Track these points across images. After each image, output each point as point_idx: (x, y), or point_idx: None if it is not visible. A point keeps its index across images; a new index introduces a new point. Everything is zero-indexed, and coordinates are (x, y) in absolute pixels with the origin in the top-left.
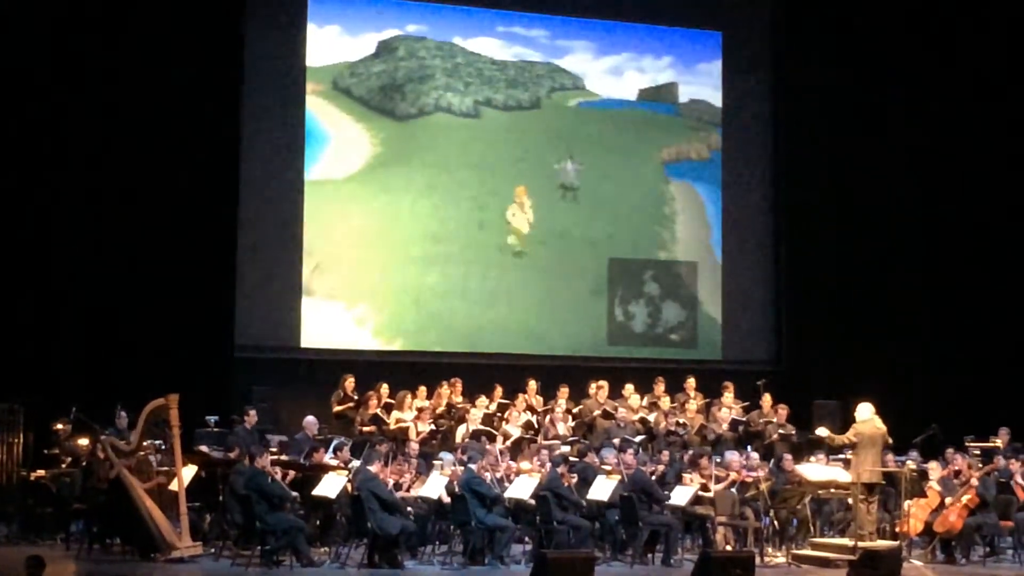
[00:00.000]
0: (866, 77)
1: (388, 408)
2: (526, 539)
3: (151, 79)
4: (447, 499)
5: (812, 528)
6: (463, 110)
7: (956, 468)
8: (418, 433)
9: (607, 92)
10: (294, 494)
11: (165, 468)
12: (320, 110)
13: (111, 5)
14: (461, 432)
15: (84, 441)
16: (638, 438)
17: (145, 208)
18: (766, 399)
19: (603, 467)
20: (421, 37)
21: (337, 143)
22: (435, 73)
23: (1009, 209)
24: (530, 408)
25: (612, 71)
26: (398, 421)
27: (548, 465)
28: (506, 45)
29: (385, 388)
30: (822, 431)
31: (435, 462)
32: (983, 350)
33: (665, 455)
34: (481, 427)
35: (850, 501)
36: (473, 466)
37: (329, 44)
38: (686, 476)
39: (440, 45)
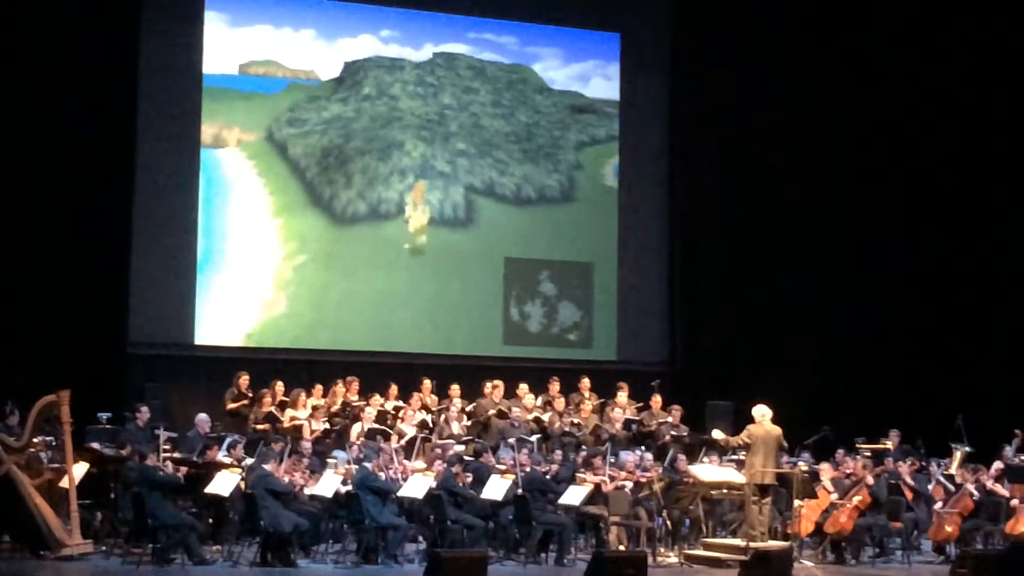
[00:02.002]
0: (762, 78)
1: (283, 406)
2: (420, 538)
3: (42, 66)
4: (343, 490)
5: (704, 528)
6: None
7: (848, 470)
8: (312, 431)
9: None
10: (179, 472)
11: (56, 465)
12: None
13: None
14: (356, 431)
15: None
16: (533, 438)
17: (37, 201)
18: (656, 400)
19: (498, 466)
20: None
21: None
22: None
23: (901, 210)
24: (425, 407)
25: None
26: (292, 419)
27: (442, 464)
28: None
29: (280, 386)
30: (717, 434)
31: (329, 460)
32: (875, 352)
33: (559, 455)
34: (376, 426)
35: (742, 501)
36: (368, 465)
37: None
38: (580, 476)
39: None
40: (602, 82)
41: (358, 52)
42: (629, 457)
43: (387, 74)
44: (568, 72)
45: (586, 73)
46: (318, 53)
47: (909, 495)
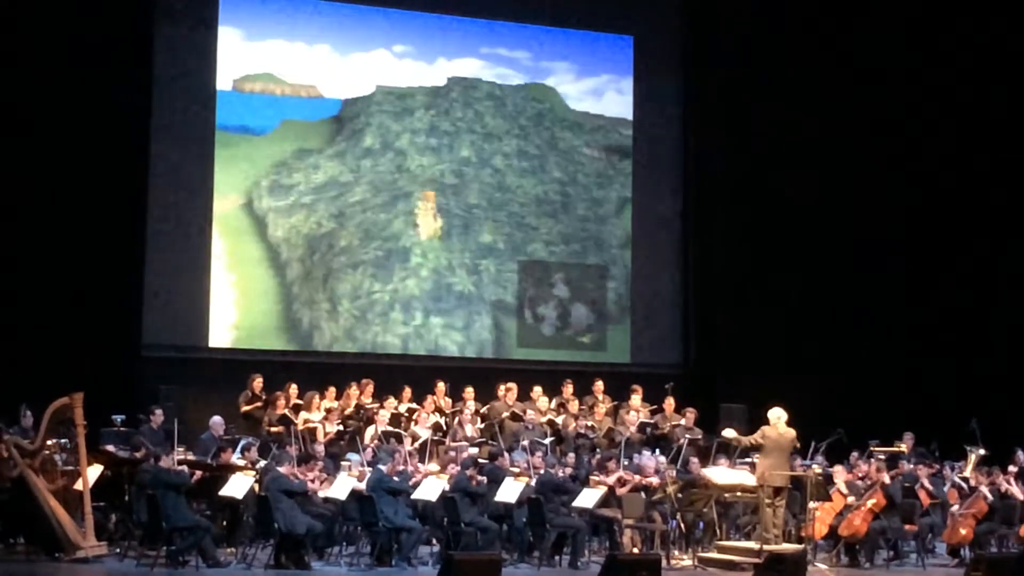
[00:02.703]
0: (775, 82)
1: (296, 409)
2: (433, 541)
3: (58, 70)
4: (360, 488)
5: (718, 531)
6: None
7: (862, 473)
8: (326, 434)
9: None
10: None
11: (70, 467)
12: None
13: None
14: (370, 433)
15: None
16: (547, 440)
17: (52, 204)
18: (669, 402)
19: (512, 469)
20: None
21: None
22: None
23: (916, 210)
24: (439, 410)
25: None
26: (306, 422)
27: (456, 466)
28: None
29: (294, 388)
30: (729, 432)
31: (343, 463)
32: (889, 355)
33: (572, 457)
34: (389, 428)
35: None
36: (383, 467)
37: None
38: (593, 479)
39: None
40: (615, 85)
41: (369, 67)
42: (647, 461)
43: (393, 120)
44: (582, 85)
45: (599, 81)
46: (326, 67)
47: (926, 500)
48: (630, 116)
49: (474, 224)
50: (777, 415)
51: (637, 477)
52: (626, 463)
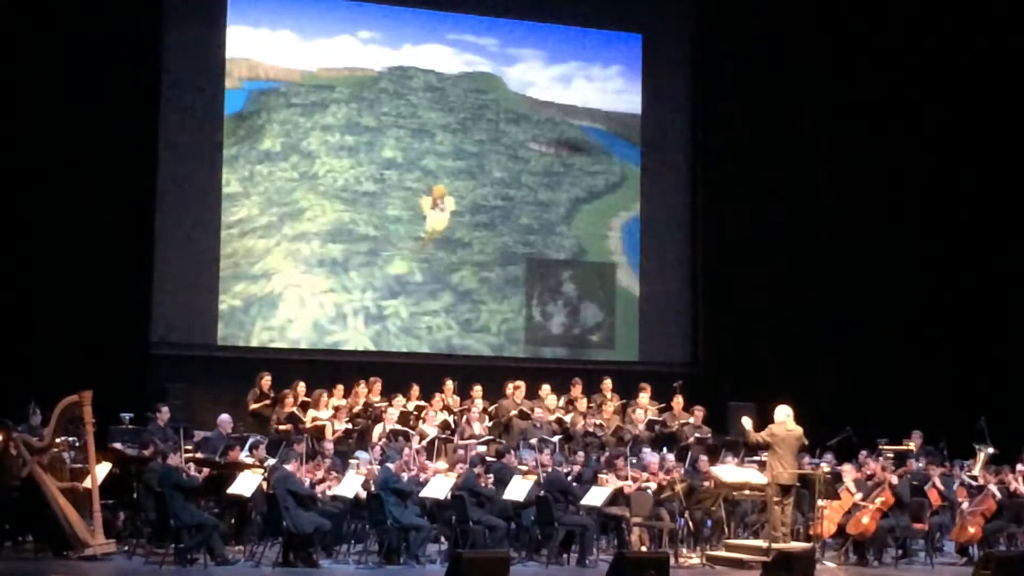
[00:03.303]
0: (785, 82)
1: (304, 407)
2: (442, 539)
3: (66, 68)
4: (364, 494)
5: (726, 529)
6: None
7: (870, 471)
8: (334, 432)
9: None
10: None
11: (79, 465)
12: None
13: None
14: (377, 431)
15: None
16: (555, 438)
17: (60, 202)
18: (677, 401)
19: (520, 467)
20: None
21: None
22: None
23: (924, 210)
24: (447, 408)
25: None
26: (314, 420)
27: (464, 465)
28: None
29: (302, 386)
30: (746, 421)
31: (351, 461)
32: (897, 353)
33: (581, 456)
34: (398, 426)
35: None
36: (391, 465)
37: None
38: (602, 477)
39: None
40: (624, 83)
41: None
42: (652, 458)
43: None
44: (591, 80)
45: (609, 77)
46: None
47: (936, 499)
48: (639, 111)
49: (486, 220)
50: (784, 413)
51: (645, 475)
52: (634, 461)
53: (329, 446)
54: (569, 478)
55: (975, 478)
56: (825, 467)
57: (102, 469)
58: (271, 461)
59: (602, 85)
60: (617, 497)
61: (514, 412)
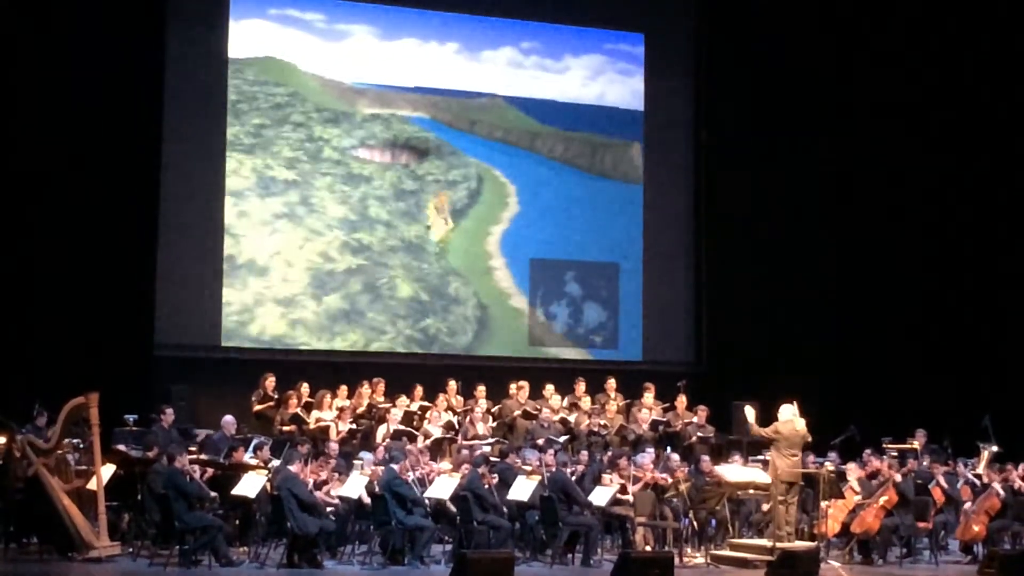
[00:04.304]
0: (787, 82)
1: (308, 407)
2: (446, 539)
3: (68, 69)
4: (367, 499)
5: (731, 529)
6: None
7: (873, 469)
8: (338, 433)
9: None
10: (213, 494)
11: (84, 467)
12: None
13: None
14: (382, 432)
15: (1, 440)
16: (561, 438)
17: (65, 204)
18: (681, 400)
19: (524, 467)
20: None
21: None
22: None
23: (928, 209)
24: (451, 408)
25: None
26: (318, 421)
27: (468, 465)
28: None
29: (305, 387)
30: (750, 412)
31: (355, 462)
32: (901, 351)
33: (584, 455)
34: (402, 427)
35: (765, 506)
36: (395, 466)
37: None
38: (605, 477)
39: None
40: (627, 81)
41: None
42: (645, 458)
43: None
44: (592, 76)
45: (611, 75)
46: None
47: (940, 498)
48: (642, 110)
49: (484, 222)
50: (790, 412)
51: (648, 475)
52: (638, 461)
53: (333, 447)
54: (573, 478)
55: (979, 476)
56: (829, 466)
57: (106, 471)
58: (275, 462)
59: (604, 84)
60: (620, 497)
61: (518, 412)
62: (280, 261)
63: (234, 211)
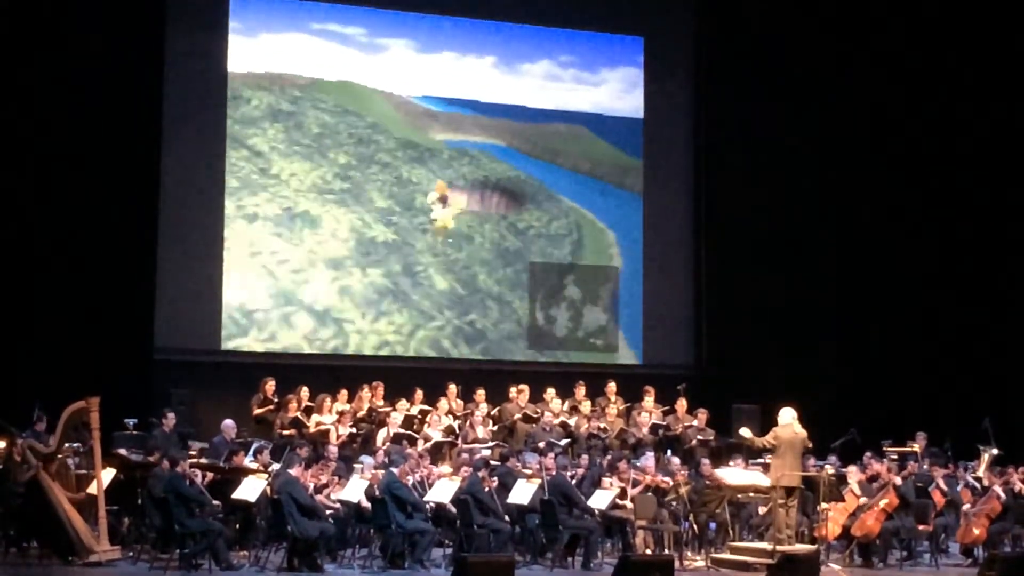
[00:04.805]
0: (787, 84)
1: (308, 411)
2: (446, 543)
3: (68, 72)
4: (367, 503)
5: (731, 532)
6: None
7: (873, 472)
8: (338, 436)
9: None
10: (216, 503)
11: (84, 471)
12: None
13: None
14: (382, 436)
15: (1, 444)
16: (562, 442)
17: (64, 208)
18: (681, 403)
19: (524, 471)
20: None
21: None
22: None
23: (929, 211)
24: (451, 412)
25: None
26: (318, 424)
27: (468, 469)
28: (420, 48)
29: (305, 391)
30: (745, 431)
31: (355, 465)
32: (901, 354)
33: (585, 459)
34: (402, 431)
35: (764, 508)
36: (395, 470)
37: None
38: (605, 480)
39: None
40: (626, 84)
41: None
42: (647, 461)
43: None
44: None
45: (610, 79)
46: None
47: (940, 501)
48: (641, 114)
49: (486, 225)
50: (790, 415)
51: (648, 477)
52: (638, 464)
53: (333, 451)
54: (573, 481)
55: (980, 479)
56: (829, 469)
57: (106, 475)
58: (275, 466)
59: (604, 88)
60: (620, 501)
61: (518, 416)
62: (280, 264)
63: (234, 215)
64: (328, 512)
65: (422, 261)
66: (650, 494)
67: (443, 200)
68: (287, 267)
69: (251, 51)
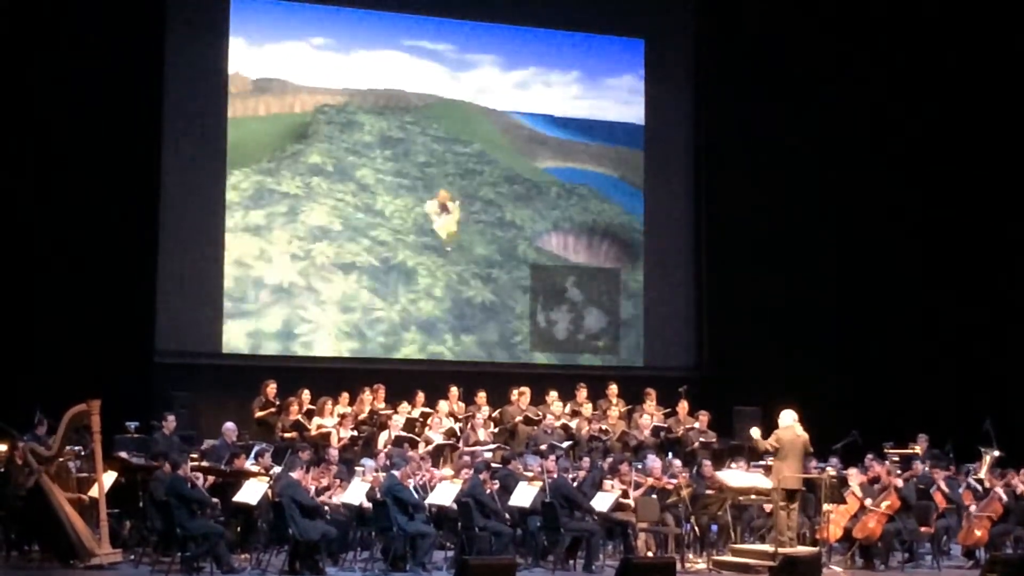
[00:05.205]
0: (787, 86)
1: (309, 414)
2: (448, 545)
3: (71, 78)
4: (368, 505)
5: (733, 534)
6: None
7: (875, 474)
8: (340, 439)
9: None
10: (214, 500)
11: (85, 474)
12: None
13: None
14: (383, 438)
15: (2, 447)
16: (564, 444)
17: (65, 211)
18: (682, 406)
19: (525, 473)
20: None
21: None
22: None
23: (930, 214)
24: (452, 414)
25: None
26: (319, 427)
27: (470, 471)
28: (414, 58)
29: (307, 394)
30: (755, 432)
31: (357, 468)
32: (903, 356)
33: (586, 461)
34: (403, 433)
35: (768, 508)
36: (396, 473)
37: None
38: (607, 483)
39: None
40: (627, 86)
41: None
42: (654, 463)
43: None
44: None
45: (611, 81)
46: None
47: (942, 502)
48: (642, 120)
49: (485, 227)
50: (791, 417)
51: (650, 480)
52: (639, 467)
53: (334, 453)
54: (574, 484)
55: (981, 481)
56: (831, 471)
57: (108, 478)
58: (277, 469)
59: (604, 90)
60: (622, 503)
61: (519, 418)
62: (280, 267)
63: (235, 218)
64: (328, 514)
65: (424, 263)
66: (653, 496)
67: (444, 208)
68: (288, 269)
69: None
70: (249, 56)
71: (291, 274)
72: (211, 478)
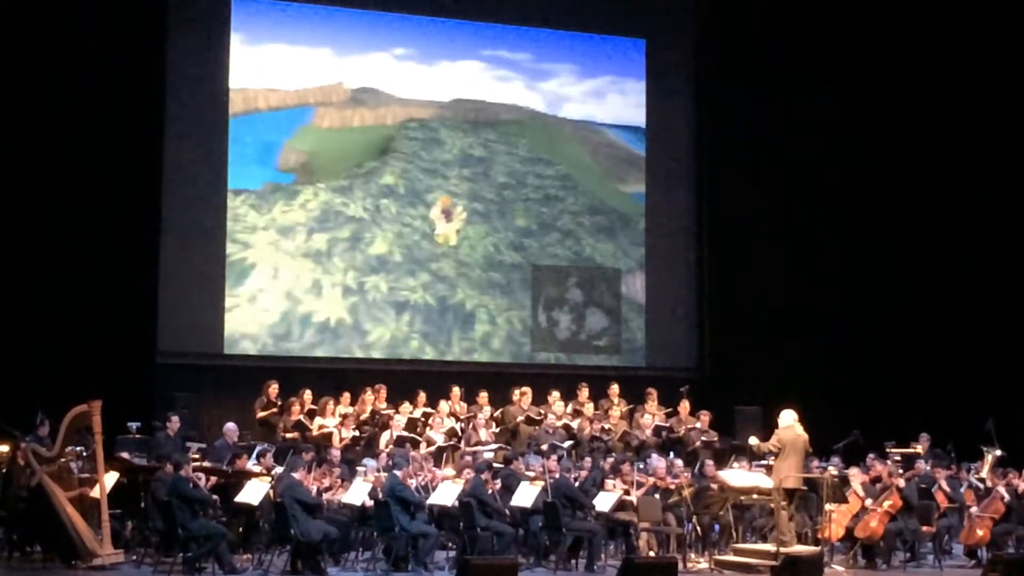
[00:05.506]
0: (788, 85)
1: (311, 414)
2: (450, 545)
3: (72, 77)
4: (369, 505)
5: (734, 534)
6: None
7: (877, 474)
8: (341, 439)
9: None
10: (214, 497)
11: (87, 475)
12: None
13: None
14: (385, 438)
15: (4, 448)
16: (566, 444)
17: (67, 212)
18: (684, 405)
19: (527, 473)
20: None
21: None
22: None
23: (931, 214)
24: (454, 414)
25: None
26: (321, 427)
27: (471, 471)
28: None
29: (308, 394)
30: (753, 440)
31: (359, 468)
32: (904, 356)
33: (588, 461)
34: (405, 433)
35: (772, 507)
36: (398, 473)
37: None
38: (608, 482)
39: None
40: (628, 88)
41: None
42: (659, 463)
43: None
44: (590, 85)
45: (610, 84)
46: (331, 70)
47: (943, 502)
48: (643, 120)
49: (485, 228)
50: (791, 417)
51: (652, 479)
52: (641, 466)
53: (336, 453)
54: (576, 483)
55: (983, 480)
56: (832, 470)
57: (109, 479)
58: (278, 469)
59: (605, 89)
60: (624, 502)
61: (521, 418)
62: (281, 268)
63: (236, 218)
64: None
65: (424, 265)
66: (656, 496)
67: (446, 214)
68: (290, 270)
69: (254, 57)
70: (249, 56)
71: (292, 274)
72: (213, 478)
